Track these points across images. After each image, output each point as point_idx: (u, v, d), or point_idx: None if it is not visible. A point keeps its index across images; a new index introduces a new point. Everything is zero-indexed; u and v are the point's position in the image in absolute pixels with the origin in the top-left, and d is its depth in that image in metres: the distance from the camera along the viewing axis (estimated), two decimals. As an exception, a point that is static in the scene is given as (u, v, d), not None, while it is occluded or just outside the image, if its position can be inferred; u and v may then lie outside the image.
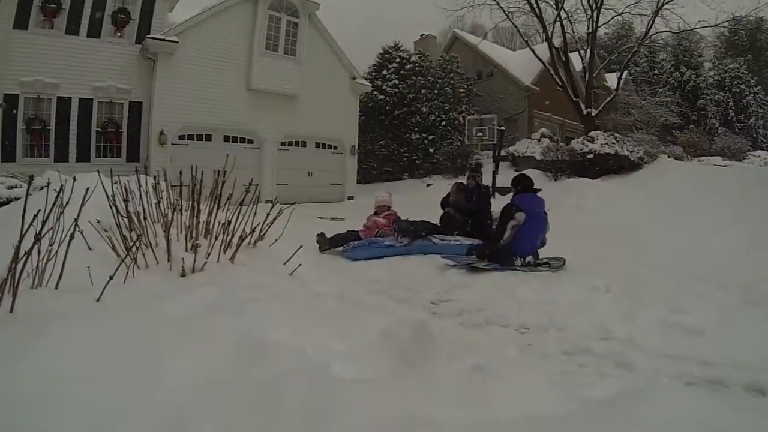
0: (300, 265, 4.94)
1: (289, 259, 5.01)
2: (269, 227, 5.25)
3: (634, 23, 30.73)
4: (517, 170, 21.56)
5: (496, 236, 7.83)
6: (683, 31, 25.53)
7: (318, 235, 9.19)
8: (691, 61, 41.13)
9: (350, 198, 21.36)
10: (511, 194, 8.61)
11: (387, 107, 26.89)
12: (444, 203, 9.83)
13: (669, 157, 23.04)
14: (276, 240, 5.34)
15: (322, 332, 3.55)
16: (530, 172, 19.47)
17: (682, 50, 41.06)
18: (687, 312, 5.64)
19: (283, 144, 19.75)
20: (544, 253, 8.25)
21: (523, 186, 8.44)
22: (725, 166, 22.31)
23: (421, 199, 18.21)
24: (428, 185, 22.68)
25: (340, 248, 9.10)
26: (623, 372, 4.31)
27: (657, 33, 25.66)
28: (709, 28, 25.71)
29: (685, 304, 5.96)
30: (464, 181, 10.41)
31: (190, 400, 2.37)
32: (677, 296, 6.32)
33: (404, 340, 3.48)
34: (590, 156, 19.64)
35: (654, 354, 4.62)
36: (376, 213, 10.15)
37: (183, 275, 4.19)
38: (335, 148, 21.64)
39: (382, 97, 26.72)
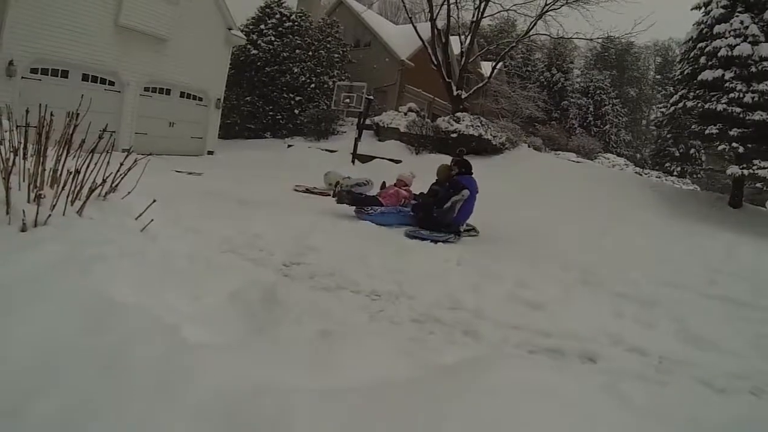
0: (152, 220, 4.66)
1: (142, 214, 4.68)
2: (122, 178, 4.80)
3: (518, 21, 32.13)
4: (379, 140, 21.98)
5: (441, 203, 9.41)
6: (561, 38, 27.14)
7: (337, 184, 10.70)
8: (562, 65, 44.33)
9: (210, 153, 20.40)
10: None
11: (259, 63, 25.92)
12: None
13: (529, 146, 24.55)
14: (128, 193, 4.94)
15: (172, 293, 3.50)
16: (392, 144, 20.46)
17: (556, 54, 44.08)
18: (532, 287, 6.08)
19: (146, 90, 18.09)
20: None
21: (465, 169, 10.03)
22: (578, 162, 23.94)
23: (280, 159, 18.56)
24: (289, 146, 22.35)
25: (351, 206, 10.09)
26: (471, 340, 4.51)
27: (537, 34, 27.19)
28: (584, 40, 27.21)
29: (531, 280, 6.41)
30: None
31: (33, 373, 2.20)
32: (524, 273, 6.80)
33: (254, 302, 3.60)
34: (454, 135, 20.40)
35: (500, 324, 4.87)
36: (395, 185, 10.90)
37: (24, 230, 3.74)
38: (200, 99, 20.33)
39: (255, 52, 25.72)
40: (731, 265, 10.06)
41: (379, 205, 9.94)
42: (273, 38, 25.90)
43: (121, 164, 4.64)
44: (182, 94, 19.63)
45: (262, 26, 26.18)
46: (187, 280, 3.81)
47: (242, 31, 23.44)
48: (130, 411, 2.04)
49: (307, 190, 12.95)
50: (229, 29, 20.60)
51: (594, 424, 2.26)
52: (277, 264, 6.12)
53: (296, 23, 26.69)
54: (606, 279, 7.25)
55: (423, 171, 17.34)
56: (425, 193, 10.56)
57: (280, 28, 26.22)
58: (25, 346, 2.33)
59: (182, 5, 18.07)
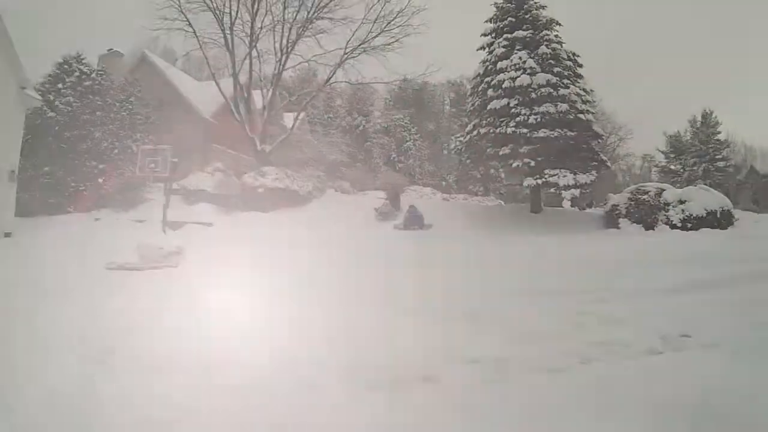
0: None
1: None
2: None
3: (318, 71, 33.20)
4: (189, 204, 21.91)
5: None
6: (360, 83, 29.08)
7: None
8: (363, 109, 46.44)
9: (7, 235, 17.66)
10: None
11: (57, 127, 23.17)
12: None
13: (336, 191, 26.11)
14: None
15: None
16: (202, 206, 20.76)
17: (356, 99, 46.07)
18: (356, 327, 6.55)
19: None
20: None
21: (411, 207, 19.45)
22: (387, 199, 25.13)
23: (87, 235, 17.57)
24: (96, 219, 21.23)
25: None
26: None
27: (337, 82, 29.15)
28: (382, 84, 29.14)
29: (353, 319, 6.91)
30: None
31: None
32: (344, 318, 7.15)
33: (73, 403, 3.53)
34: (261, 190, 21.19)
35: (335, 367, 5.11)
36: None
37: None
38: None
39: (53, 114, 23.07)
40: (540, 262, 11.57)
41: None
42: (72, 99, 23.76)
43: None
44: (-31, 168, 17.09)
45: (60, 85, 24.00)
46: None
47: (38, 90, 21.44)
48: None
49: (120, 267, 12.36)
50: (23, 88, 18.45)
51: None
52: (95, 355, 5.44)
53: (97, 82, 25.01)
54: (427, 303, 7.83)
55: (235, 229, 17.86)
56: None
57: (79, 88, 24.20)
58: None
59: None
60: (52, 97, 23.46)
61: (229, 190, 21.38)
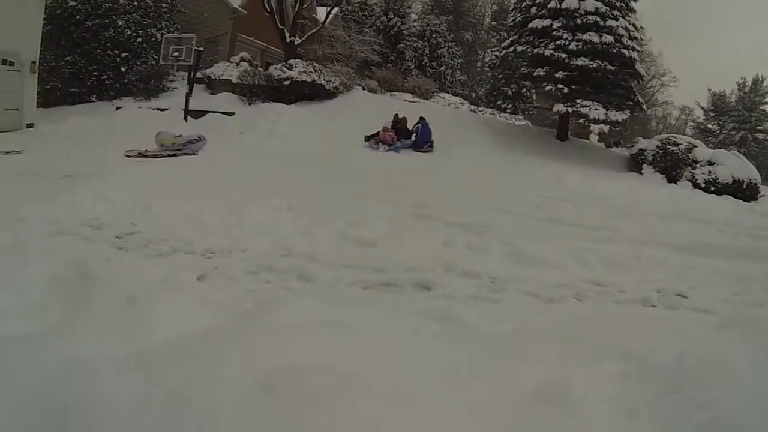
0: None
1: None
2: None
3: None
4: (212, 93, 21.51)
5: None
6: (399, -16, 27.22)
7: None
8: (399, 10, 44.37)
9: (30, 125, 17.22)
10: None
11: (78, 17, 22.13)
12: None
13: (364, 89, 25.03)
14: None
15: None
16: (225, 96, 20.37)
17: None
18: (363, 226, 6.54)
19: (-58, 57, 14.66)
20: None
21: (421, 119, 17.34)
22: (413, 102, 24.72)
23: (109, 123, 17.40)
24: (118, 108, 20.48)
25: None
26: (305, 284, 4.82)
27: (373, -20, 27.19)
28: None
29: (362, 219, 6.87)
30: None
31: None
32: (355, 212, 7.25)
33: (72, 282, 3.40)
34: (287, 82, 20.52)
35: (334, 265, 5.25)
36: (384, 129, 16.95)
37: None
38: (11, 63, 16.94)
39: (74, 3, 21.94)
40: (558, 190, 11.44)
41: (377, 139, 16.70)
42: (94, -14, 22.49)
43: None
44: (-11, 60, 16.46)
45: (80, -29, 22.56)
46: (6, 273, 3.55)
47: (56, -23, 20.25)
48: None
49: (140, 154, 12.45)
50: (42, -23, 17.26)
51: (385, 349, 2.52)
52: (109, 237, 6.02)
53: (120, -32, 23.49)
54: (438, 211, 7.89)
55: (257, 119, 17.40)
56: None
57: (101, -27, 22.80)
58: None
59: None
60: (72, -16, 22.26)
61: (254, 80, 20.66)
